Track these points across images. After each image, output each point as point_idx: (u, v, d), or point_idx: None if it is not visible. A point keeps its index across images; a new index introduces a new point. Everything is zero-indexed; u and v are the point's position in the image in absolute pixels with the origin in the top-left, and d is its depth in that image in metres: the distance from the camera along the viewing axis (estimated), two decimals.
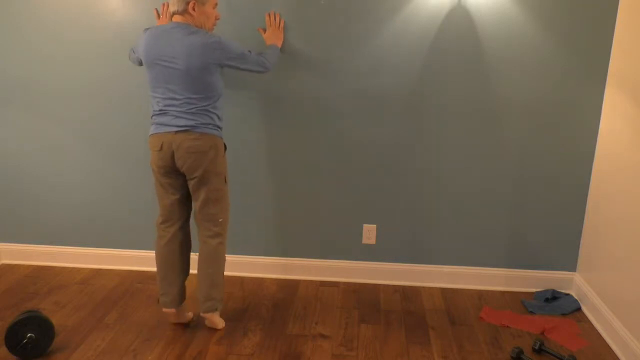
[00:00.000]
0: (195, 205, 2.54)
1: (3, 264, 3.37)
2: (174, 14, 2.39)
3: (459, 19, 2.78)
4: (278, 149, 3.06)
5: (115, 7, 2.90)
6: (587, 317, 2.86)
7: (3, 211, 3.31)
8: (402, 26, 2.82)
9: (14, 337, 2.36)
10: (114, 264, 3.33)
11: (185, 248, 2.64)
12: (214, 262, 2.56)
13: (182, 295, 2.63)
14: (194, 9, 2.36)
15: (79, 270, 3.31)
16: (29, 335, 2.37)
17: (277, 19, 2.82)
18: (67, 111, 3.09)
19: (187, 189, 2.55)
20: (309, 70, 2.92)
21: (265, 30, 2.84)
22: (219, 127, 2.49)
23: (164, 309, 2.61)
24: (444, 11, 2.78)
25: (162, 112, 2.42)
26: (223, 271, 2.61)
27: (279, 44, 2.80)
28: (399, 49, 2.85)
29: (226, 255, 3.15)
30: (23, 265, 3.35)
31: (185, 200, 2.58)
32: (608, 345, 2.61)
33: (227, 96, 2.95)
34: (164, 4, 2.81)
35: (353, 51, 2.87)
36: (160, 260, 2.59)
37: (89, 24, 2.94)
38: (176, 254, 2.58)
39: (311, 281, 3.22)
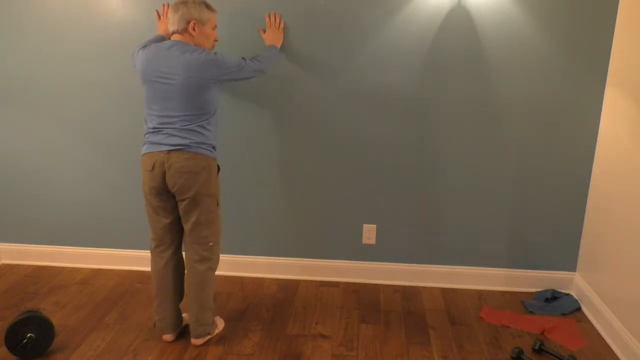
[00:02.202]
0: (185, 228, 2.45)
1: (3, 264, 3.37)
2: (173, 33, 2.38)
3: (459, 19, 2.78)
4: (278, 149, 3.06)
5: (115, 7, 2.90)
6: (587, 317, 2.86)
7: (3, 211, 3.31)
8: (402, 26, 2.82)
9: (14, 337, 2.36)
10: (114, 264, 3.33)
11: (179, 273, 2.58)
12: (203, 288, 2.49)
13: (178, 320, 2.58)
14: (194, 29, 2.35)
15: (79, 270, 3.31)
16: (29, 335, 2.37)
17: (277, 19, 2.82)
18: (67, 111, 3.09)
19: (178, 212, 2.47)
20: (308, 71, 2.92)
21: (265, 31, 2.84)
22: (213, 148, 2.43)
23: (163, 336, 2.57)
24: (444, 11, 2.78)
25: (155, 130, 2.37)
26: (212, 294, 2.54)
27: (278, 44, 2.80)
28: (399, 49, 2.85)
29: (226, 255, 3.16)
30: (23, 265, 3.35)
31: (177, 224, 2.51)
32: (608, 345, 2.61)
33: (227, 97, 2.95)
34: (164, 5, 2.81)
35: (353, 51, 2.87)
36: (156, 284, 2.54)
37: (89, 24, 2.94)
38: (170, 278, 2.53)
39: (311, 281, 3.22)
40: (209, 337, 2.58)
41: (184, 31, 2.36)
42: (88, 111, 3.08)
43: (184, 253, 2.56)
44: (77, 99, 3.07)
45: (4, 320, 2.72)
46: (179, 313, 2.59)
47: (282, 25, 2.82)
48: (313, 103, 2.96)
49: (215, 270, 2.54)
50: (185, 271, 2.54)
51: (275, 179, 3.11)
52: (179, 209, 2.44)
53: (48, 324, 2.43)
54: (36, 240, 3.34)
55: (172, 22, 2.37)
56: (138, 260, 3.30)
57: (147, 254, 3.24)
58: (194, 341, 2.54)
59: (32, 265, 3.35)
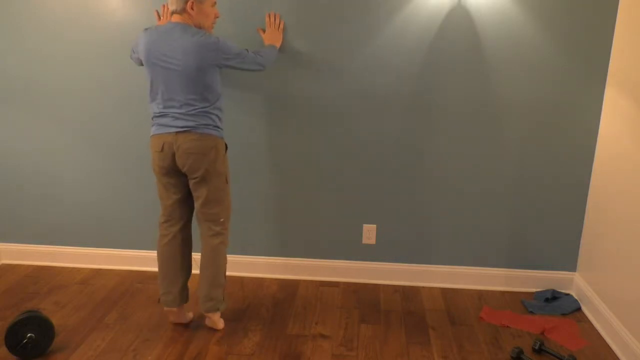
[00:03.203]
0: (196, 205, 2.54)
1: (3, 264, 3.37)
2: (173, 13, 2.39)
3: (459, 19, 2.78)
4: (278, 148, 3.06)
5: (115, 7, 2.90)
6: (587, 317, 2.86)
7: (3, 211, 3.31)
8: (402, 26, 2.82)
9: (14, 337, 2.36)
10: (114, 264, 3.33)
11: (186, 248, 2.64)
12: (214, 261, 2.56)
13: (183, 295, 2.63)
14: (192, 8, 2.35)
15: (79, 270, 3.31)
16: (29, 335, 2.37)
17: (277, 20, 2.82)
18: (67, 111, 3.09)
19: (188, 189, 2.55)
20: (309, 71, 2.92)
21: (264, 31, 2.84)
22: (219, 128, 2.48)
23: (165, 308, 2.62)
24: (444, 11, 2.78)
25: (162, 114, 2.42)
26: (224, 271, 2.61)
27: (278, 44, 2.80)
28: (399, 49, 2.85)
29: (227, 255, 3.16)
30: (23, 265, 3.35)
31: (187, 200, 2.58)
32: (608, 345, 2.61)
33: (229, 96, 2.95)
34: (164, 5, 2.81)
35: (353, 51, 2.87)
36: (162, 259, 2.59)
37: (89, 24, 2.94)
38: (177, 253, 2.59)
39: (311, 281, 3.22)
40: (219, 312, 2.63)
41: (182, 11, 2.36)
42: (88, 111, 3.09)
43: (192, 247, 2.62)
44: (77, 99, 3.07)
45: (4, 320, 2.72)
46: (184, 288, 2.63)
47: (281, 26, 2.83)
48: (313, 103, 2.97)
49: (227, 246, 2.61)
50: (201, 247, 2.59)
51: (275, 179, 3.11)
52: (189, 186, 2.51)
53: (48, 324, 2.42)
54: (36, 240, 3.34)
55: (171, 2, 2.37)
56: (138, 260, 3.30)
57: (147, 253, 3.26)
58: (205, 314, 2.61)
59: (32, 265, 3.35)
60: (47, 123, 3.12)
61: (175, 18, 2.38)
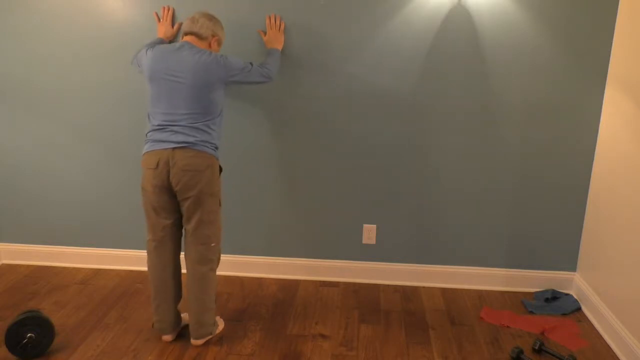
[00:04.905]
0: (187, 227, 2.44)
1: (3, 264, 3.37)
2: (187, 33, 2.44)
3: (459, 19, 2.78)
4: (278, 149, 3.06)
5: (116, 7, 2.90)
6: (587, 317, 2.86)
7: (3, 211, 3.31)
8: (402, 27, 2.82)
9: (14, 337, 2.36)
10: (114, 264, 3.33)
11: (178, 274, 2.57)
12: (205, 290, 2.48)
13: (177, 321, 2.58)
14: (215, 42, 2.50)
15: (79, 270, 3.31)
16: (29, 335, 2.37)
17: (278, 21, 2.82)
18: (66, 111, 3.09)
19: (179, 213, 2.47)
20: (309, 72, 2.92)
21: (265, 33, 2.84)
22: (216, 147, 2.45)
23: (162, 337, 2.57)
24: (444, 11, 2.78)
25: (160, 128, 2.38)
26: (214, 296, 2.54)
27: (279, 47, 2.80)
28: (399, 50, 2.85)
29: (226, 255, 3.17)
30: (23, 265, 3.35)
31: (178, 225, 2.50)
32: (608, 345, 2.61)
33: (228, 97, 2.95)
34: (164, 8, 2.81)
35: (353, 52, 2.87)
36: (155, 286, 2.52)
37: (89, 24, 2.94)
38: (169, 280, 2.52)
39: (311, 281, 3.22)
40: (210, 337, 2.58)
41: (204, 39, 2.45)
42: (88, 111, 3.09)
43: (182, 253, 2.56)
44: (77, 98, 3.07)
45: (4, 320, 2.72)
46: (177, 313, 2.58)
47: (282, 27, 2.82)
48: (313, 103, 2.97)
49: (216, 271, 2.54)
50: (186, 272, 2.52)
51: (275, 179, 3.11)
52: (181, 208, 2.43)
53: (48, 324, 2.42)
54: (36, 240, 3.34)
55: (197, 24, 2.44)
56: (138, 260, 3.30)
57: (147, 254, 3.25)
58: (194, 342, 2.53)
59: (32, 265, 3.35)
60: (47, 123, 3.12)
61: (188, 38, 2.44)
